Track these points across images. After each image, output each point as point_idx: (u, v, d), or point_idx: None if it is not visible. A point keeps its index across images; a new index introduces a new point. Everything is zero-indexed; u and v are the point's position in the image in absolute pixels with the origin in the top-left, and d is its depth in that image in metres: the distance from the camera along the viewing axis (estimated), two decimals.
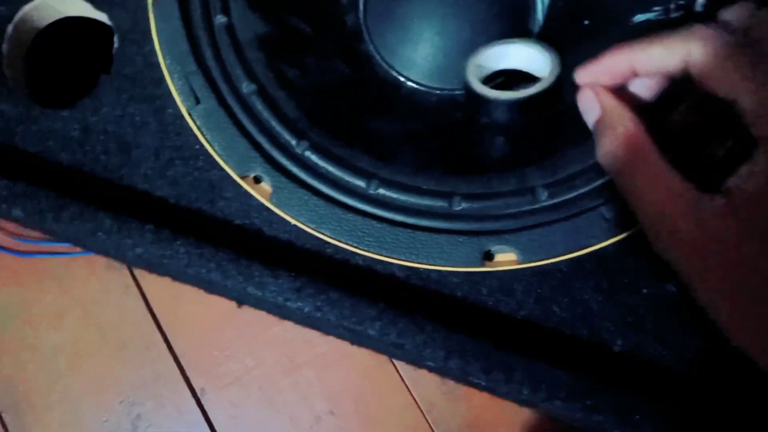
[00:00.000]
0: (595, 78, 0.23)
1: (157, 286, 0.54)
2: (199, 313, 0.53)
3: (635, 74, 0.22)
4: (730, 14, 0.21)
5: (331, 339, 0.29)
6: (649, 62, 0.21)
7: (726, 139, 0.24)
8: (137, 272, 0.54)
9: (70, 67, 0.33)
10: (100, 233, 0.26)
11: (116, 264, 0.54)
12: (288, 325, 0.30)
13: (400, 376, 0.52)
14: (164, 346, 0.53)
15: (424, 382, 0.51)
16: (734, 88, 0.19)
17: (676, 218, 0.19)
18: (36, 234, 0.54)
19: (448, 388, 0.51)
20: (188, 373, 0.52)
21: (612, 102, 0.22)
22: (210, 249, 0.25)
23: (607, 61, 0.22)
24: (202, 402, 0.51)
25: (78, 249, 0.54)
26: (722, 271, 0.19)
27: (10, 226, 0.55)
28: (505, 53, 0.30)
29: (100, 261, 0.54)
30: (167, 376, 0.52)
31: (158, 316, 0.53)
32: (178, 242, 0.25)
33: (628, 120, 0.21)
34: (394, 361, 0.52)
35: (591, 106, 0.22)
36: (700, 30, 0.20)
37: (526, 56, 0.30)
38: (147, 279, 0.54)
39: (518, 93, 0.27)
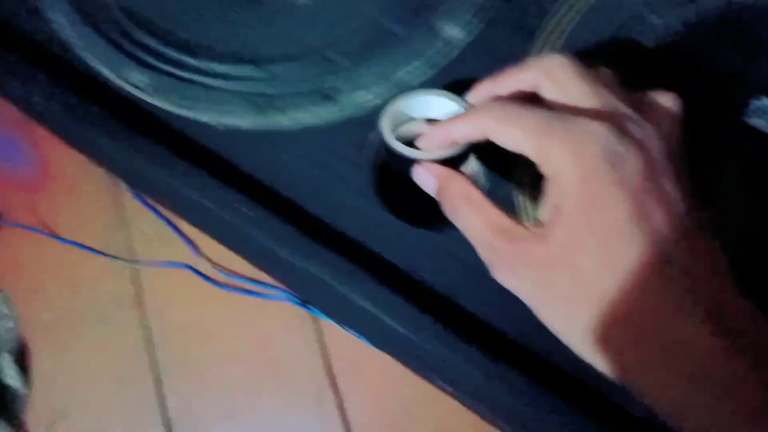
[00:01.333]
0: (433, 149, 0.28)
1: (340, 346, 0.56)
2: (375, 380, 0.54)
3: (455, 144, 0.28)
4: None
5: None
6: (460, 135, 0.27)
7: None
8: (324, 327, 0.56)
9: None
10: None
11: (305, 314, 0.56)
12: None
13: None
14: (335, 405, 0.54)
15: None
16: (519, 145, 0.25)
17: (500, 248, 0.25)
18: (234, 269, 0.58)
19: None
20: None
21: (441, 170, 0.28)
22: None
23: (434, 137, 0.28)
24: None
25: (270, 292, 0.56)
26: (544, 289, 0.25)
27: (216, 256, 0.58)
28: (424, 103, 0.30)
29: (289, 308, 0.56)
30: None
31: (336, 374, 0.55)
32: None
33: (458, 179, 0.27)
34: None
35: (427, 178, 0.28)
36: (488, 106, 0.26)
37: (445, 108, 0.30)
38: (331, 335, 0.56)
39: (431, 153, 0.28)
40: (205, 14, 0.35)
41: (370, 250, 0.31)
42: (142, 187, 0.39)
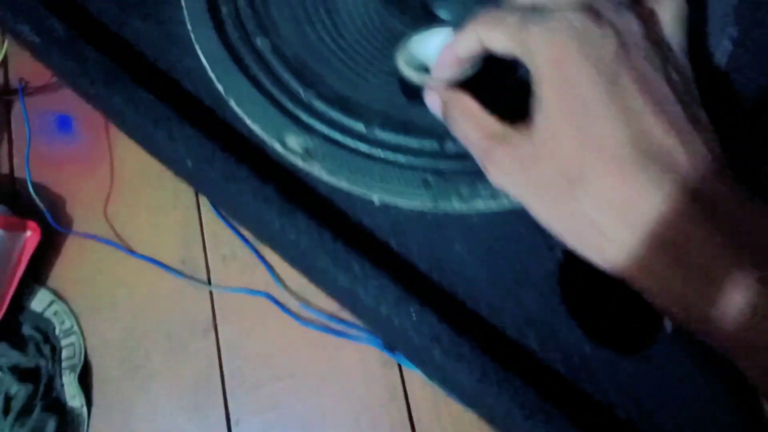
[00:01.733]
0: (444, 70, 0.30)
1: (421, 394, 0.53)
2: None
3: (461, 60, 0.29)
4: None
5: None
6: (462, 49, 0.28)
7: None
8: (407, 377, 0.53)
9: None
10: None
11: (387, 358, 0.53)
12: None
13: None
14: None
15: None
16: (505, 44, 0.26)
17: (492, 151, 0.27)
18: (315, 302, 0.54)
19: None
20: None
21: (445, 90, 0.29)
22: None
23: (442, 58, 0.29)
24: None
25: (351, 332, 0.53)
26: (532, 181, 0.25)
27: (295, 287, 0.54)
28: (435, 41, 0.31)
29: (373, 353, 0.53)
30: None
31: (416, 423, 0.52)
32: None
33: (459, 95, 0.29)
34: None
35: (434, 100, 0.30)
36: (478, 16, 0.27)
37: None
38: (413, 382, 0.53)
39: (440, 77, 0.29)
40: (372, 70, 0.31)
41: (557, 372, 0.27)
42: (270, 242, 0.35)
